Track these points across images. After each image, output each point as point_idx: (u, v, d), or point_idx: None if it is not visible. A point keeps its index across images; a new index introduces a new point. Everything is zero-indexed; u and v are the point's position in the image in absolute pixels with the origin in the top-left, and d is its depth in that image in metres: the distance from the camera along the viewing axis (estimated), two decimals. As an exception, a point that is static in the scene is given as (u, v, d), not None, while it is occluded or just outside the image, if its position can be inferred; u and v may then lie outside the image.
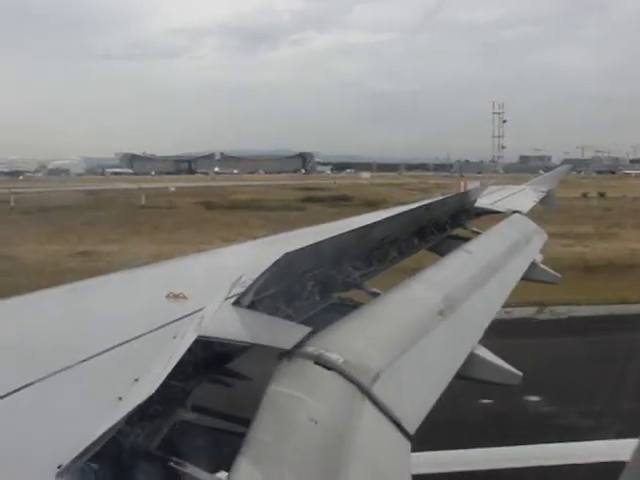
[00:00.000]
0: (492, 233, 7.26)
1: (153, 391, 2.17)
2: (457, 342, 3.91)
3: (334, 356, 2.76)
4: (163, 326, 2.89)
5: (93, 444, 1.90)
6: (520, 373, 4.08)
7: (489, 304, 4.76)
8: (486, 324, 4.33)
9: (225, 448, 2.39)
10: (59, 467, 1.83)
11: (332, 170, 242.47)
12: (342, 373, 2.69)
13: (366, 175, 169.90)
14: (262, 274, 3.03)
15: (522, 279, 6.17)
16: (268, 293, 3.26)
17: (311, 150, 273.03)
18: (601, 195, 74.71)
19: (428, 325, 3.72)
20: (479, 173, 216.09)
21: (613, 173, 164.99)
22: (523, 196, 11.02)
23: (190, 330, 2.73)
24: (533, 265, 7.06)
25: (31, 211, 51.56)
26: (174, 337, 2.73)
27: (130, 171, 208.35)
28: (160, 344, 2.67)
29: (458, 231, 7.28)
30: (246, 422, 2.29)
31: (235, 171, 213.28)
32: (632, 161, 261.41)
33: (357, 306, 3.81)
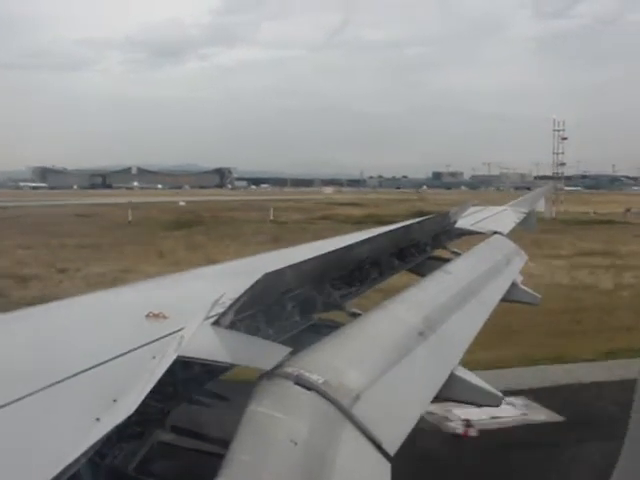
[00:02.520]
0: (472, 254, 7.31)
1: (131, 412, 2.15)
2: (437, 363, 3.92)
3: (314, 377, 2.76)
4: (142, 346, 2.87)
5: (70, 466, 1.88)
6: (500, 394, 4.10)
7: (469, 325, 4.79)
8: (466, 345, 4.35)
9: (204, 470, 2.37)
10: None
11: (249, 185, 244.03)
12: (322, 394, 2.68)
13: (328, 190, 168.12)
14: (242, 294, 3.03)
15: (502, 300, 6.21)
16: (248, 313, 3.27)
17: (228, 165, 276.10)
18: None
19: (408, 346, 3.73)
20: (398, 188, 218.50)
21: (529, 189, 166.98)
22: (504, 217, 11.12)
23: (170, 350, 2.72)
24: (513, 286, 7.11)
25: (180, 225, 49.75)
26: (153, 357, 2.71)
27: (44, 185, 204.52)
28: (139, 364, 2.65)
29: (439, 252, 7.32)
30: (225, 443, 2.27)
31: (159, 186, 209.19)
32: (536, 177, 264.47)
33: (337, 327, 3.81)
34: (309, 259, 3.67)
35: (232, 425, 2.34)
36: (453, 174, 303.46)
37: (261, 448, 2.28)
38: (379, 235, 5.46)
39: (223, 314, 3.08)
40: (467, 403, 4.05)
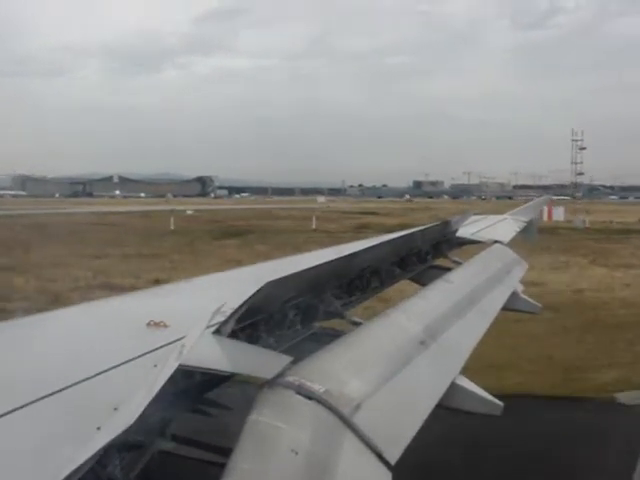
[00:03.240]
0: (473, 263, 7.31)
1: (133, 421, 2.15)
2: (438, 372, 3.92)
3: (315, 386, 2.75)
4: (143, 355, 2.87)
5: (70, 475, 1.87)
6: (501, 403, 4.09)
7: (470, 334, 4.79)
8: (467, 354, 4.34)
9: (205, 479, 2.37)
10: None
11: (231, 194, 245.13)
12: (323, 403, 2.68)
13: (322, 199, 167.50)
14: (243, 303, 3.04)
15: (503, 309, 6.21)
16: (249, 322, 3.27)
17: (207, 174, 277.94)
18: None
19: (409, 355, 3.73)
20: (379, 197, 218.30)
21: (510, 198, 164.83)
22: (504, 226, 11.11)
23: (171, 359, 2.72)
24: (514, 295, 7.11)
25: (227, 235, 47.24)
26: (155, 366, 2.71)
27: (23, 193, 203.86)
28: (140, 373, 2.65)
29: (439, 261, 7.33)
30: (227, 452, 2.27)
31: (142, 194, 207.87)
32: (515, 187, 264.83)
33: (339, 335, 3.81)
34: (310, 268, 3.68)
35: (233, 434, 2.33)
36: (434, 183, 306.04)
37: (262, 457, 2.28)
38: (380, 244, 5.47)
39: (224, 323, 3.08)
40: (468, 412, 4.04)
